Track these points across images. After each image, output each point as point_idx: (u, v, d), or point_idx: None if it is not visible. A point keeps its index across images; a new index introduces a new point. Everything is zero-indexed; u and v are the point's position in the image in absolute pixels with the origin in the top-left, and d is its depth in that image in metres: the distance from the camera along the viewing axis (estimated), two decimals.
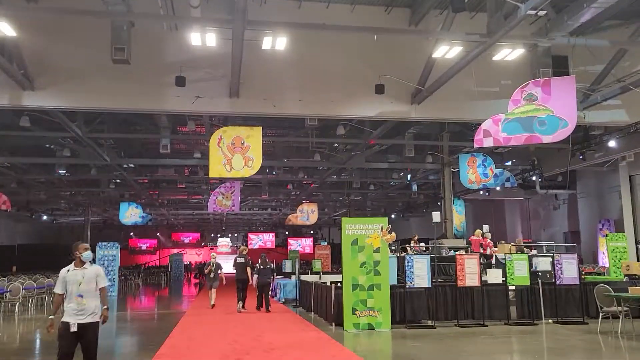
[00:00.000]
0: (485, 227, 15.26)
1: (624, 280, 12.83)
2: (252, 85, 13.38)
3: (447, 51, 11.18)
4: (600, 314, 10.71)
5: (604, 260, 21.04)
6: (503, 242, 15.67)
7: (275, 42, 10.71)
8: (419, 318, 11.81)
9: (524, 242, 16.19)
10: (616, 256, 13.42)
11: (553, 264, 12.02)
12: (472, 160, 19.60)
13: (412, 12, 13.75)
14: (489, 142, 11.00)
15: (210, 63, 13.15)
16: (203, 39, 10.78)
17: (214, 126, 17.17)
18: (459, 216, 27.09)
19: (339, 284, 11.87)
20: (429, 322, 11.71)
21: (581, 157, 18.10)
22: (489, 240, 14.76)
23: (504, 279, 12.03)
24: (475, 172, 19.41)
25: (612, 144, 16.64)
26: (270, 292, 16.47)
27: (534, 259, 12.15)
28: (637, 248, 21.10)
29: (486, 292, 12.13)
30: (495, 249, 14.56)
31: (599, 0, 10.65)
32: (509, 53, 11.32)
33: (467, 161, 19.63)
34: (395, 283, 12.07)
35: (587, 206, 27.00)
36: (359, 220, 11.34)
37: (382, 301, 11.03)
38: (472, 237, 15.06)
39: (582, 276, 13.19)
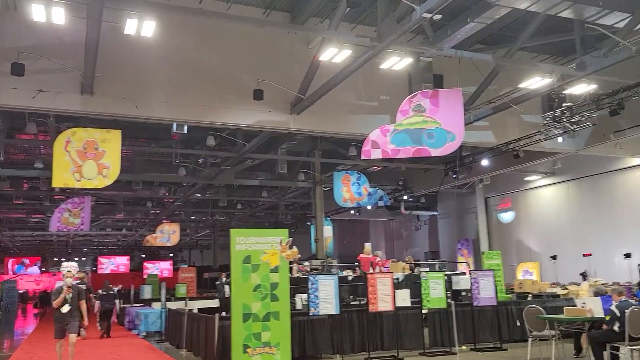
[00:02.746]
0: (368, 245, 14.72)
1: (512, 299, 12.84)
2: (111, 80, 11.45)
3: (335, 54, 10.39)
4: (530, 339, 9.84)
5: None
6: (394, 260, 15.23)
7: (142, 27, 9.07)
8: (321, 352, 10.23)
9: (414, 261, 15.90)
10: None
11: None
12: (346, 178, 19.21)
13: (291, 18, 12.95)
14: (377, 154, 10.39)
15: (59, 51, 11.04)
16: (49, 14, 8.79)
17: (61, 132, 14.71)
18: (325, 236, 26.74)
19: (223, 314, 9.97)
20: (336, 356, 10.21)
21: (454, 175, 18.58)
22: (378, 259, 14.16)
23: (413, 300, 10.93)
24: (349, 191, 19.04)
25: (484, 162, 17.23)
26: (112, 318, 16.60)
27: (454, 278, 11.42)
28: None
29: (396, 318, 10.76)
30: (387, 267, 14.01)
31: (482, 15, 10.76)
32: (398, 62, 10.87)
33: (342, 179, 19.21)
34: None
35: (447, 226, 28.28)
36: (253, 232, 9.24)
37: (280, 334, 8.96)
38: (361, 256, 14.33)
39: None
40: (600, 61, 11.22)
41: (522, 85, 12.80)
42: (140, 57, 11.46)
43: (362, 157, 10.70)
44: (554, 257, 19.85)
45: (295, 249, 9.67)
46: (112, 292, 16.05)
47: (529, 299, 12.92)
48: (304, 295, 10.67)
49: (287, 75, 12.90)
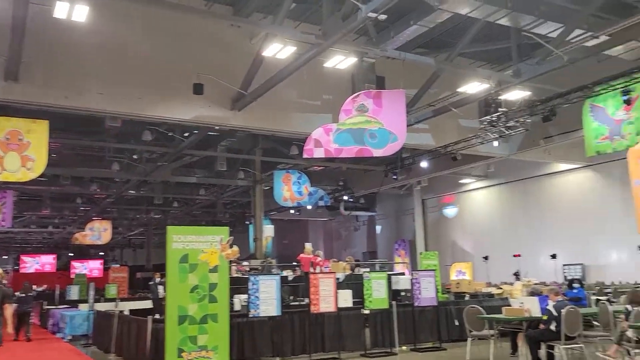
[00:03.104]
0: (308, 245, 14.60)
1: (449, 299, 13.05)
2: (39, 67, 10.76)
3: (279, 50, 10.20)
4: (469, 339, 9.90)
5: None
6: (335, 260, 15.14)
7: (73, 11, 8.53)
8: (260, 355, 9.96)
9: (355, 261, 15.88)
10: None
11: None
12: (287, 177, 19.04)
13: (234, 11, 12.65)
14: (319, 153, 10.29)
15: None
16: None
17: None
18: (265, 235, 26.45)
19: (157, 316, 9.57)
20: (275, 359, 9.89)
21: (394, 177, 18.80)
22: (319, 259, 14.03)
23: (354, 301, 10.78)
24: (290, 190, 18.87)
25: (423, 164, 17.52)
26: (30, 320, 15.61)
27: (393, 278, 11.38)
28: None
29: (338, 319, 10.60)
30: (327, 267, 13.90)
31: (424, 18, 10.93)
32: (342, 61, 10.82)
33: (282, 178, 19.01)
34: None
35: (385, 227, 28.67)
36: (192, 230, 8.92)
37: (218, 337, 8.57)
38: (301, 255, 14.16)
39: None
40: (534, 69, 11.64)
41: (460, 90, 13.09)
42: (72, 43, 10.83)
43: (305, 156, 10.57)
44: (486, 258, 20.52)
45: (235, 248, 9.36)
46: (30, 294, 15.08)
47: (467, 298, 13.14)
48: (243, 296, 10.41)
49: (229, 70, 12.60)
